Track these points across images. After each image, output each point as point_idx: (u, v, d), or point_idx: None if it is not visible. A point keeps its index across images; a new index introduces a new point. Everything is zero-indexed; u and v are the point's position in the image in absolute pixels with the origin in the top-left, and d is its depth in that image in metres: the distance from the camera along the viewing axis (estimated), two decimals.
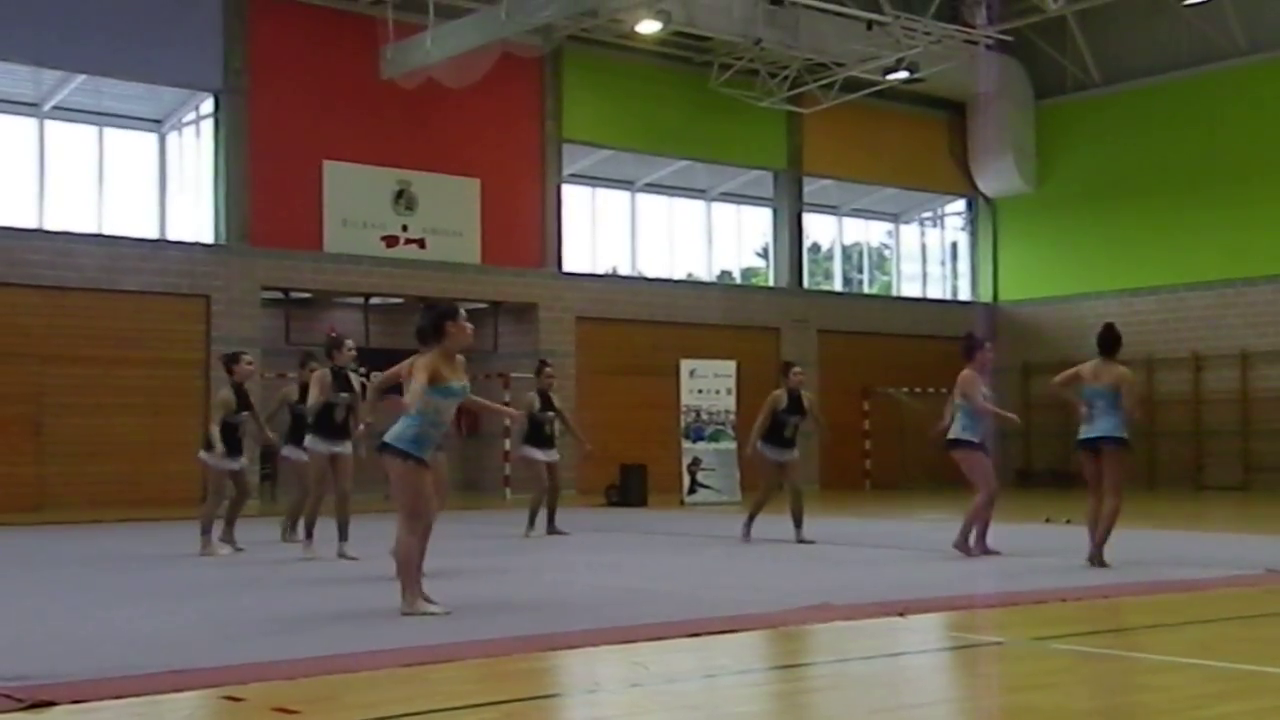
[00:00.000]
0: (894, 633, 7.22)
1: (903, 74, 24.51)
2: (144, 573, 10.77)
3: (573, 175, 25.39)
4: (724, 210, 28.09)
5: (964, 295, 30.95)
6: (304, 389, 12.50)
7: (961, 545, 11.23)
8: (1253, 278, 26.20)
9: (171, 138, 22.27)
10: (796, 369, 14.08)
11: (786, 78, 25.38)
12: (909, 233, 31.12)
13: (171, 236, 21.64)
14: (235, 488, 12.73)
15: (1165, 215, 27.30)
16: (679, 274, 27.31)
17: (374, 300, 23.58)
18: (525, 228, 24.24)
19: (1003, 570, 10.27)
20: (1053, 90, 29.13)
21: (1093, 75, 28.44)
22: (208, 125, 21.80)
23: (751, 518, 13.29)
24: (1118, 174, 28.18)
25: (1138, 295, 27.83)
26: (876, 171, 28.89)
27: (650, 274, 26.77)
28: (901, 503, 21.74)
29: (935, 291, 31.08)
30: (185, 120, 22.15)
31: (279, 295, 22.52)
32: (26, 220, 20.58)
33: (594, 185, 26.31)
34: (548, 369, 14.83)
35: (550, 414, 14.38)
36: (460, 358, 7.87)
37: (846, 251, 30.35)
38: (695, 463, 22.10)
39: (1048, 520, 16.43)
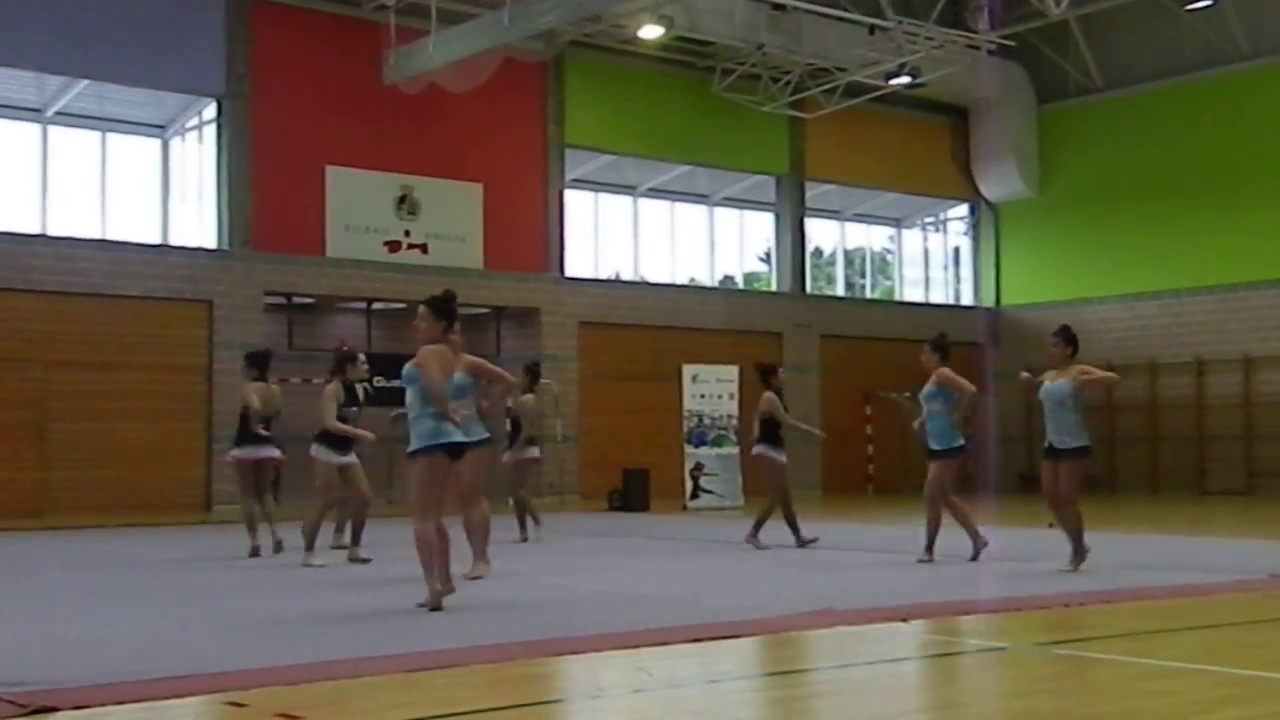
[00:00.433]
0: (896, 638, 7.22)
1: (905, 79, 24.52)
2: (146, 578, 10.77)
3: (575, 180, 25.40)
4: (726, 215, 28.09)
5: (966, 300, 30.95)
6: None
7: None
8: (1255, 282, 26.19)
9: (174, 143, 22.30)
10: (782, 370, 14.25)
11: (789, 83, 25.40)
12: (911, 237, 31.13)
13: (174, 242, 21.66)
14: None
15: (1168, 220, 27.30)
16: (681, 279, 27.31)
17: (376, 305, 23.57)
18: (528, 233, 24.25)
19: (1005, 575, 10.25)
20: (1055, 95, 29.13)
21: (1095, 80, 28.44)
22: (210, 130, 21.82)
23: (794, 525, 13.10)
24: (1120, 179, 28.17)
25: (1140, 300, 27.82)
26: (879, 176, 28.90)
27: (653, 279, 26.78)
28: (904, 507, 21.69)
29: (938, 296, 31.07)
30: (188, 125, 22.18)
31: (281, 300, 22.53)
32: (30, 225, 20.60)
33: (596, 190, 26.32)
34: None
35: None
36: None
37: (849, 256, 30.35)
38: (698, 468, 22.09)
39: (1050, 525, 16.35)
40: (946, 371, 11.41)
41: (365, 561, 11.42)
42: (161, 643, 7.00)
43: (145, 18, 20.75)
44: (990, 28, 24.48)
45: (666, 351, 24.59)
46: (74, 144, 21.42)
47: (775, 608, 8.15)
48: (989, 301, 30.51)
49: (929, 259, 31.27)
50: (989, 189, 30.02)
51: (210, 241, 21.61)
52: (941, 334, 12.02)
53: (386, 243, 22.74)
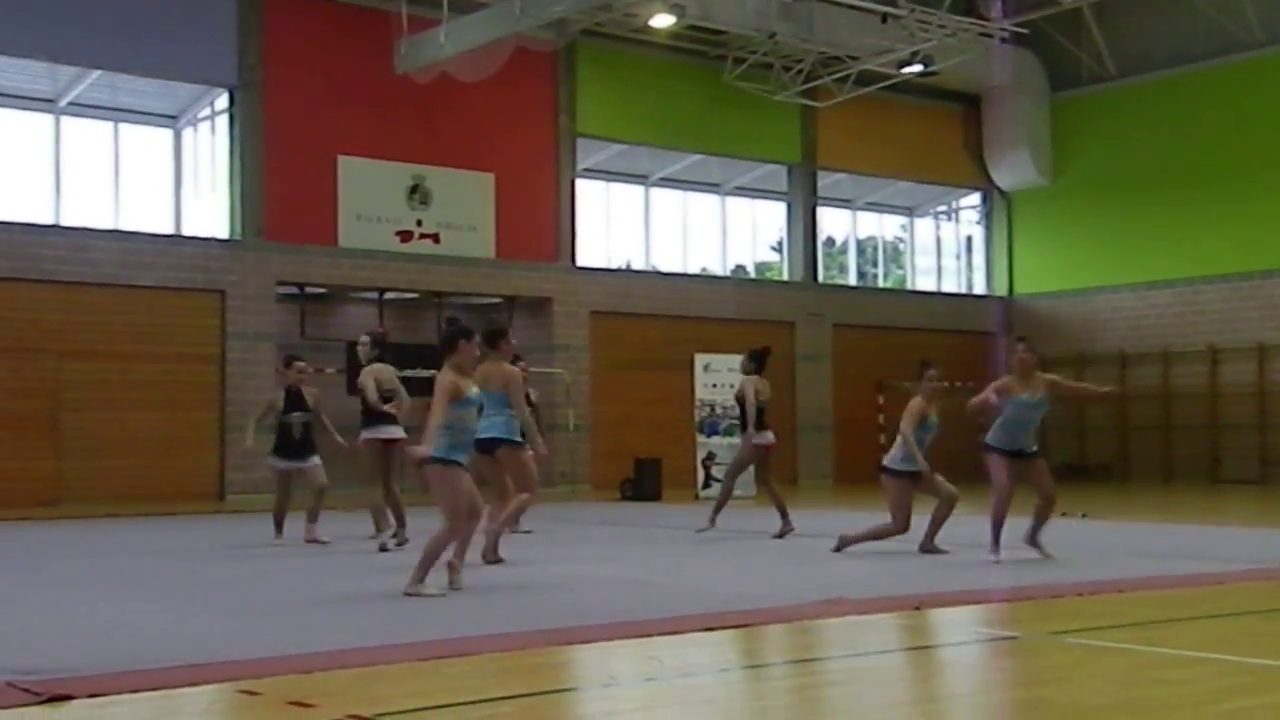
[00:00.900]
0: (909, 627, 7.22)
1: (917, 67, 24.42)
2: (160, 567, 10.81)
3: (587, 170, 25.39)
4: (738, 204, 28.06)
5: (979, 289, 30.88)
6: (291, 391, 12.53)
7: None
8: (1270, 270, 26.10)
9: (187, 133, 22.33)
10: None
11: (801, 71, 25.34)
12: (924, 226, 31.06)
13: (187, 232, 21.71)
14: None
15: (1181, 208, 27.20)
16: (693, 268, 27.30)
17: (389, 295, 23.60)
18: (539, 222, 24.25)
19: (1018, 564, 10.24)
20: (1068, 83, 29.02)
21: (1108, 68, 28.33)
22: (223, 121, 21.85)
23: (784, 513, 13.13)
24: (1133, 167, 28.08)
25: (1154, 288, 27.74)
26: (891, 165, 28.83)
27: (664, 268, 26.76)
28: (916, 497, 21.64)
29: (950, 285, 31.01)
30: (200, 116, 22.21)
31: (294, 290, 22.56)
32: (43, 216, 20.65)
33: (608, 180, 26.30)
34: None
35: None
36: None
37: (861, 245, 30.29)
38: (709, 457, 22.08)
39: (1063, 514, 16.36)
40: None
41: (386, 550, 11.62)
42: (175, 631, 7.03)
43: (158, 8, 20.78)
44: (1003, 15, 24.38)
45: (678, 341, 24.58)
46: (87, 134, 21.46)
47: (787, 597, 8.16)
48: (1002, 290, 30.44)
49: (941, 248, 31.20)
50: (1002, 177, 29.94)
51: (223, 231, 21.65)
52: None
53: (398, 232, 22.76)
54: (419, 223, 22.94)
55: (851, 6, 23.48)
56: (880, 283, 30.42)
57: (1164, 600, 8.27)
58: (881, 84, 25.70)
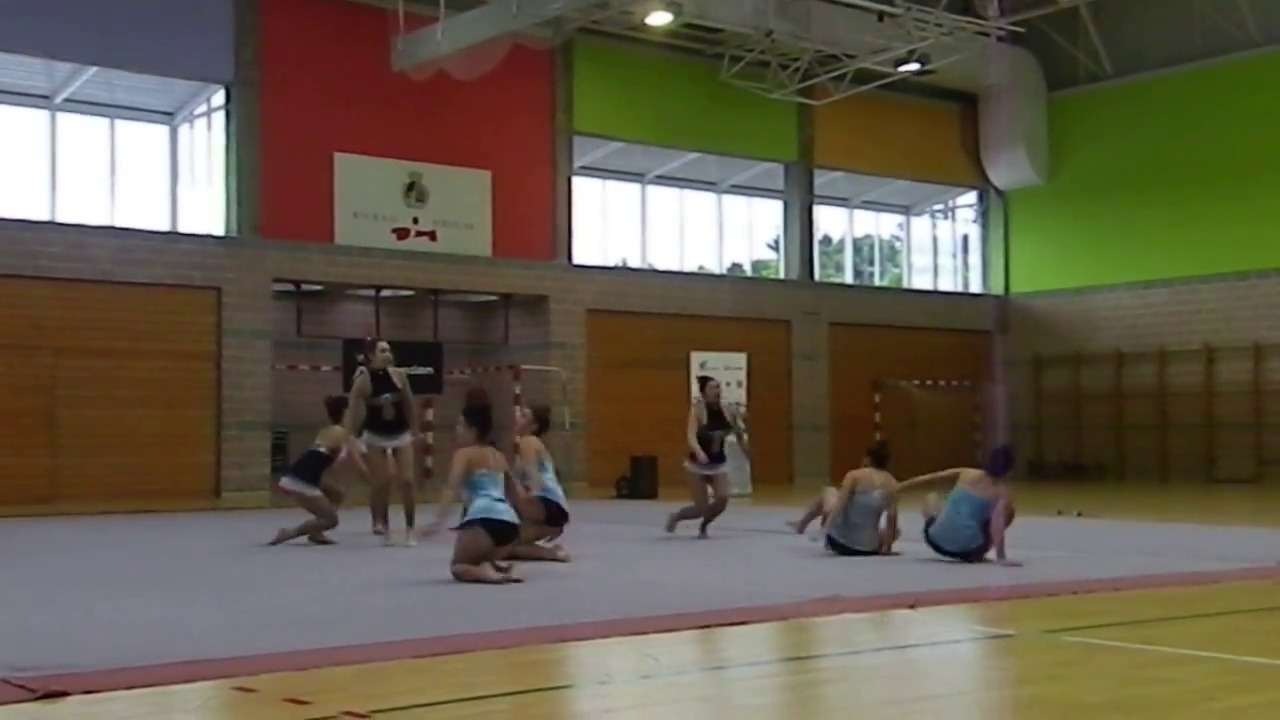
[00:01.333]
0: (905, 625, 7.22)
1: (914, 66, 24.41)
2: (156, 564, 10.80)
3: (583, 167, 25.38)
4: (735, 202, 28.06)
5: (975, 288, 30.90)
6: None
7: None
8: (1266, 270, 26.13)
9: (183, 130, 22.31)
10: (713, 382, 13.52)
11: (798, 69, 25.34)
12: (920, 225, 31.07)
13: (183, 229, 21.69)
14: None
15: (1178, 207, 27.23)
16: (690, 266, 27.30)
17: (385, 292, 23.60)
18: (536, 220, 24.24)
19: (1014, 564, 10.24)
20: (1065, 82, 29.04)
21: (1105, 67, 28.35)
22: (219, 117, 21.83)
23: (683, 518, 12.98)
24: (1130, 166, 28.10)
25: (1150, 287, 27.77)
26: (888, 163, 28.84)
27: (661, 266, 26.76)
28: (912, 495, 21.66)
29: (946, 284, 31.03)
30: (197, 112, 22.19)
31: (290, 287, 22.56)
32: (39, 212, 20.63)
33: (604, 177, 26.30)
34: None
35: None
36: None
37: (857, 244, 30.30)
38: None
39: (1059, 513, 16.40)
40: None
41: (390, 545, 11.71)
42: (171, 628, 7.02)
43: (154, 4, 20.76)
44: (1000, 14, 24.38)
45: (675, 339, 24.59)
46: (83, 131, 21.44)
47: (783, 594, 8.16)
48: (998, 289, 30.46)
49: (938, 246, 31.21)
50: (998, 176, 29.95)
51: (219, 228, 21.63)
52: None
53: (395, 230, 22.74)
54: (415, 220, 22.93)
55: (848, 5, 23.47)
56: (877, 281, 30.44)
57: (1160, 599, 8.28)
58: (878, 82, 25.70)
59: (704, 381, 13.64)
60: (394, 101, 22.52)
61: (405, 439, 12.27)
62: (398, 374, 12.38)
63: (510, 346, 24.81)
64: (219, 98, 21.79)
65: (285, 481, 12.36)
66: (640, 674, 5.89)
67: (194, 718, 5.16)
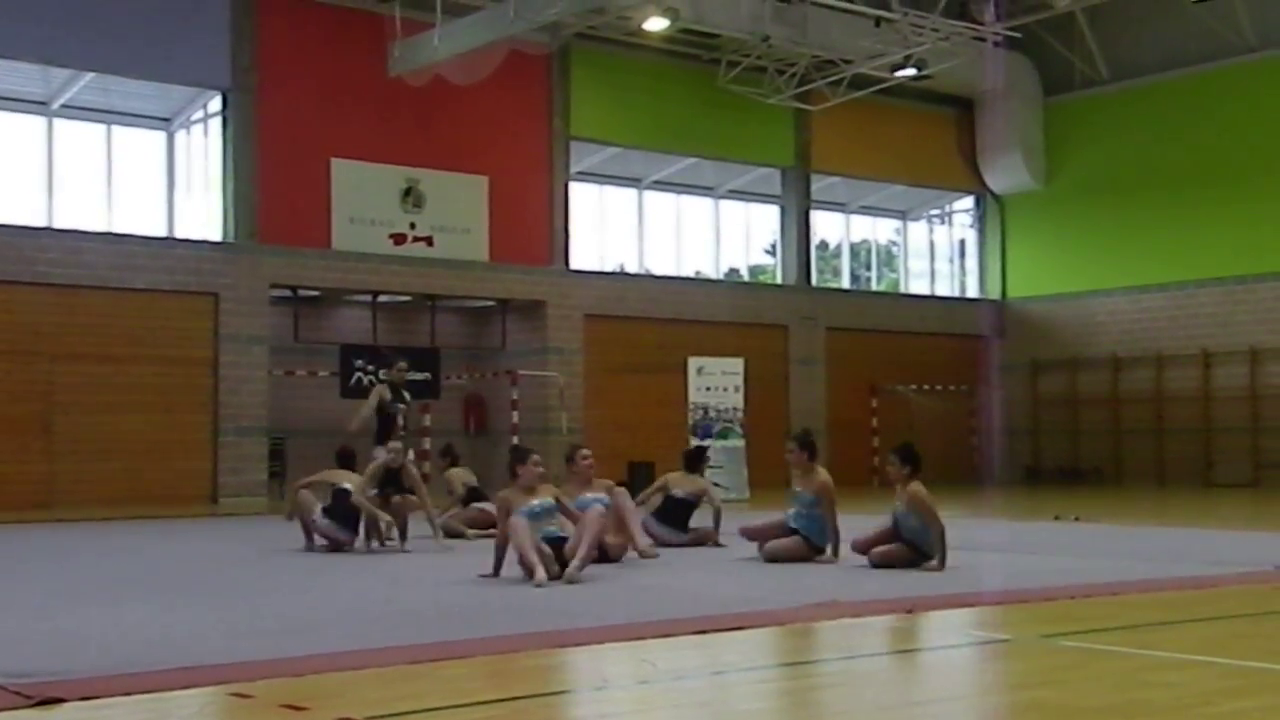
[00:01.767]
0: (902, 630, 7.21)
1: (911, 71, 24.47)
2: (153, 570, 10.78)
3: (580, 173, 25.40)
4: (732, 207, 28.08)
5: (972, 292, 30.92)
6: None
7: None
8: (1263, 274, 26.15)
9: (180, 136, 22.31)
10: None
11: (794, 75, 25.37)
12: (917, 230, 31.09)
13: (180, 235, 21.68)
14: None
15: (1174, 212, 27.25)
16: (687, 271, 27.31)
17: (382, 298, 23.61)
18: (533, 225, 24.25)
19: (1010, 568, 10.26)
20: (1061, 87, 29.08)
21: (1101, 72, 28.38)
22: (216, 123, 21.83)
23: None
24: (1126, 171, 28.13)
25: (1147, 292, 27.79)
26: (884, 168, 28.87)
27: (658, 271, 26.78)
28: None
29: (943, 289, 31.05)
30: (194, 118, 22.19)
31: (287, 293, 22.56)
32: (36, 219, 20.63)
33: (601, 183, 26.31)
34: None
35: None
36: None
37: (854, 249, 30.32)
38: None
39: (1056, 518, 16.41)
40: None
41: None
42: (167, 635, 7.01)
43: (151, 10, 20.76)
44: (996, 19, 24.43)
45: (672, 344, 24.59)
46: (79, 137, 21.45)
47: (780, 600, 8.15)
48: (995, 294, 30.48)
49: (935, 251, 31.24)
50: (995, 181, 29.99)
51: (216, 234, 21.62)
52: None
53: (392, 235, 22.75)
54: (412, 225, 22.93)
55: (845, 10, 23.52)
56: (874, 286, 30.46)
57: (1157, 603, 8.27)
58: (875, 87, 25.73)
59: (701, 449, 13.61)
60: (391, 107, 22.53)
61: (410, 454, 13.35)
62: (406, 392, 13.87)
63: (507, 352, 24.81)
64: (216, 104, 21.79)
65: (322, 525, 12.23)
66: (637, 679, 5.88)
67: None
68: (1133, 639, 6.87)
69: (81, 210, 21.08)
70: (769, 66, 25.37)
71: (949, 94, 28.58)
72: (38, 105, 21.14)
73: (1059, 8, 23.36)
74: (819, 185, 28.32)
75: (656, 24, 22.59)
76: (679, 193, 27.36)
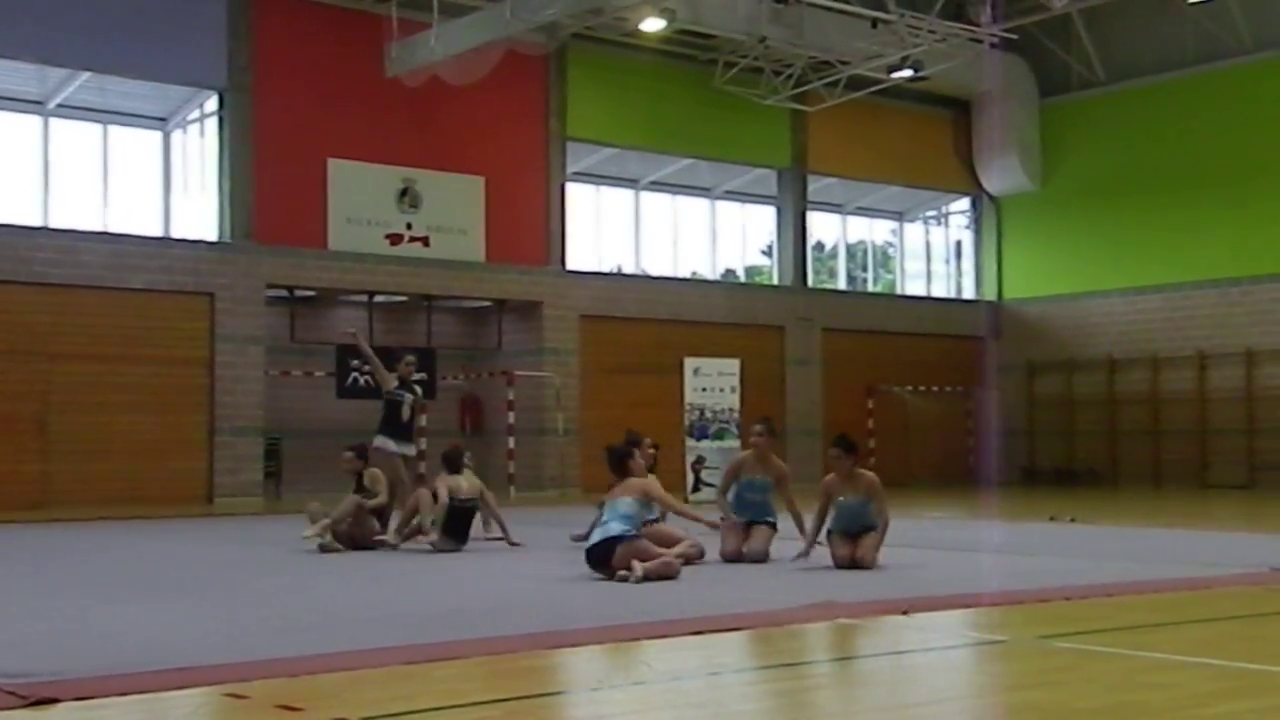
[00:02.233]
0: (897, 631, 7.22)
1: (907, 72, 24.48)
2: (148, 570, 10.77)
3: (577, 173, 25.39)
4: (728, 208, 28.08)
5: (968, 294, 30.94)
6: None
7: None
8: (1259, 276, 26.17)
9: (176, 135, 22.29)
10: (648, 444, 12.45)
11: (791, 76, 25.37)
12: (913, 231, 31.11)
13: (176, 234, 21.66)
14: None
15: (1170, 213, 27.27)
16: (683, 272, 27.31)
17: (378, 298, 23.60)
18: (529, 226, 24.24)
19: (1006, 569, 10.26)
20: (1058, 88, 29.10)
21: (1098, 73, 28.40)
22: (212, 123, 21.81)
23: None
24: (1123, 172, 28.15)
25: (1143, 293, 27.81)
26: (881, 169, 28.88)
27: (654, 272, 26.78)
28: (905, 501, 21.71)
29: (939, 290, 31.07)
30: (190, 118, 22.17)
31: (283, 293, 22.54)
32: (32, 218, 20.60)
33: (598, 183, 26.31)
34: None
35: None
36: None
37: (851, 250, 30.33)
38: (699, 461, 22.08)
39: (1052, 519, 16.42)
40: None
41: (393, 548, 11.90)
42: (163, 635, 7.00)
43: (147, 10, 20.74)
44: (993, 21, 24.43)
45: (668, 345, 24.59)
46: (76, 136, 21.43)
47: (776, 600, 8.15)
48: (991, 295, 30.50)
49: (931, 252, 31.26)
50: (991, 182, 30.00)
51: (212, 234, 21.61)
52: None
53: (388, 235, 22.74)
54: (409, 226, 22.92)
55: (842, 11, 23.53)
56: (870, 287, 30.47)
57: (1153, 604, 8.28)
58: (872, 89, 25.75)
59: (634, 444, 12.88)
60: (387, 107, 22.52)
61: (413, 449, 13.53)
62: (416, 386, 13.89)
63: (504, 352, 24.80)
64: (212, 103, 21.77)
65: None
66: (633, 680, 5.88)
67: None
68: (1128, 640, 6.88)
69: (77, 210, 21.06)
70: (766, 67, 25.38)
71: (945, 95, 28.59)
72: (34, 105, 21.11)
73: (1055, 9, 23.38)
74: (815, 186, 28.32)
75: (653, 25, 22.59)
76: (675, 193, 27.37)
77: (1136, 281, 27.86)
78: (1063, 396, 28.94)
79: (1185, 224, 27.05)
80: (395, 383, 13.47)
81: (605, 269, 26.13)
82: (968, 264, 31.11)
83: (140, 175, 21.89)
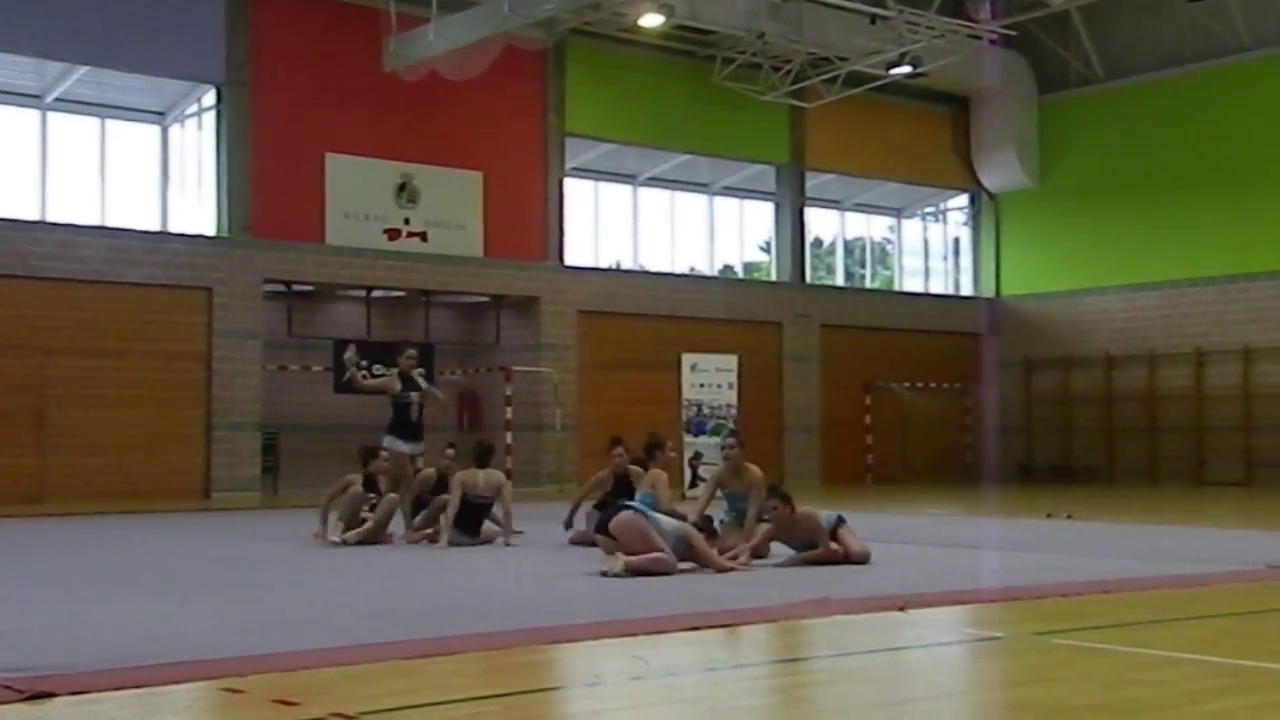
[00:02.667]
0: (894, 627, 7.22)
1: (906, 69, 24.47)
2: (145, 565, 10.78)
3: (575, 169, 25.38)
4: (726, 204, 28.07)
5: (966, 290, 30.95)
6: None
7: None
8: (1255, 273, 26.18)
9: (174, 130, 22.27)
10: (619, 450, 12.67)
11: (789, 72, 25.36)
12: (911, 227, 31.11)
13: (174, 229, 21.65)
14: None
15: (1168, 210, 27.28)
16: (681, 268, 27.30)
17: (376, 293, 23.58)
18: (527, 221, 24.23)
19: (1003, 565, 10.27)
20: (1056, 85, 29.09)
21: (1096, 70, 28.40)
22: (210, 117, 21.79)
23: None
24: (1121, 169, 28.16)
25: (1140, 290, 27.82)
26: (879, 166, 28.88)
27: (652, 268, 26.77)
28: (903, 497, 21.74)
29: (937, 286, 31.07)
30: (188, 112, 22.15)
31: (281, 288, 22.52)
32: (29, 212, 20.59)
33: (596, 179, 26.30)
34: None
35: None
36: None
37: (849, 246, 30.33)
38: (697, 457, 22.11)
39: (1049, 515, 16.43)
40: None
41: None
42: (159, 629, 7.00)
43: (145, 4, 20.72)
44: (991, 17, 24.44)
45: (666, 341, 24.59)
46: (73, 130, 21.40)
47: (773, 597, 8.16)
48: (989, 292, 30.50)
49: (929, 249, 31.26)
50: (989, 179, 30.00)
51: (210, 228, 21.59)
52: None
53: (386, 230, 22.72)
54: (407, 221, 22.90)
55: (840, 7, 23.52)
56: (868, 284, 30.47)
57: (1149, 601, 8.29)
58: (870, 85, 25.73)
59: (615, 443, 12.84)
60: (385, 102, 22.50)
61: (421, 448, 13.30)
62: (420, 377, 13.71)
63: (501, 347, 24.80)
64: (210, 98, 21.75)
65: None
66: (630, 676, 5.88)
67: (182, 719, 5.15)
68: (1124, 637, 6.88)
69: (75, 204, 21.04)
70: (764, 63, 25.36)
71: (944, 92, 28.58)
72: (31, 98, 21.09)
73: (1054, 6, 23.39)
74: (814, 182, 28.31)
75: (652, 20, 22.59)
76: (673, 189, 27.35)
77: (1134, 278, 27.87)
78: (1060, 393, 28.95)
79: (1183, 221, 27.06)
80: (399, 385, 13.38)
81: (603, 264, 26.12)
82: (966, 260, 31.12)
83: (138, 169, 21.87)
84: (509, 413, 23.15)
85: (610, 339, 24.93)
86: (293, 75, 21.92)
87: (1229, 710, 5.11)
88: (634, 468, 12.48)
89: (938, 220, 31.43)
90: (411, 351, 13.85)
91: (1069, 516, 16.23)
